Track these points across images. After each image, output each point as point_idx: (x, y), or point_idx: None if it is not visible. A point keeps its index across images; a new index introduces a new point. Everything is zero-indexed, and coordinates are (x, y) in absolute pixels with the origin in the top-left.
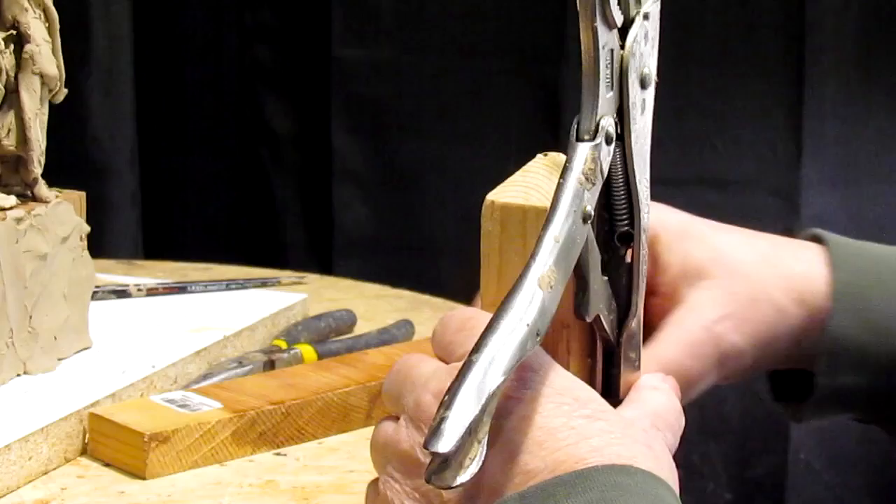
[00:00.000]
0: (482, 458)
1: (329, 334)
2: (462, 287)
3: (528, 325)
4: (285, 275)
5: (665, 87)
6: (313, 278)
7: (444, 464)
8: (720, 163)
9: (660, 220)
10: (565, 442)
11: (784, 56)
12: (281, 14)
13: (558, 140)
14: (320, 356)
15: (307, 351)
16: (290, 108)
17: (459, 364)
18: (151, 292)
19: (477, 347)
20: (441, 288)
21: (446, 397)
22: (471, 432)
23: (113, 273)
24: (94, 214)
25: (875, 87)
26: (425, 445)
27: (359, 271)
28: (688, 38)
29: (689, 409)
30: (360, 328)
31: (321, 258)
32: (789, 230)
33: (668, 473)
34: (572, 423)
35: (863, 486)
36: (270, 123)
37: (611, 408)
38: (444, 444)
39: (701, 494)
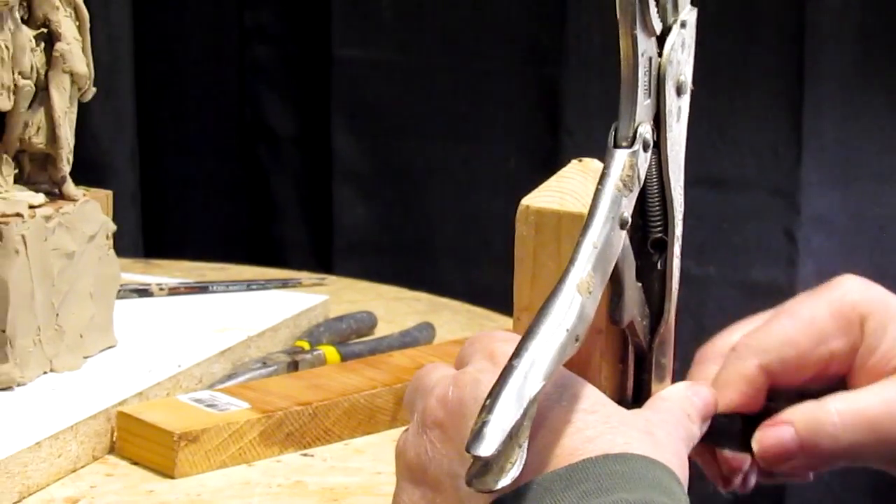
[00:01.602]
0: (523, 462)
1: (350, 336)
2: (462, 287)
3: (567, 329)
4: (306, 276)
5: None
6: (331, 279)
7: (484, 467)
8: (720, 163)
9: (884, 301)
10: (560, 436)
11: (784, 56)
12: (281, 14)
13: (558, 140)
14: (343, 358)
15: (330, 352)
16: (290, 108)
17: (463, 371)
18: (174, 292)
19: (517, 352)
20: (441, 288)
21: (488, 401)
22: (511, 436)
23: (131, 272)
24: None
25: (875, 87)
26: (467, 449)
27: (359, 271)
28: None
29: None
30: (380, 330)
31: (321, 258)
32: (789, 230)
33: (672, 458)
34: (568, 418)
35: (863, 486)
36: (270, 123)
37: (611, 401)
38: (486, 448)
39: (701, 495)
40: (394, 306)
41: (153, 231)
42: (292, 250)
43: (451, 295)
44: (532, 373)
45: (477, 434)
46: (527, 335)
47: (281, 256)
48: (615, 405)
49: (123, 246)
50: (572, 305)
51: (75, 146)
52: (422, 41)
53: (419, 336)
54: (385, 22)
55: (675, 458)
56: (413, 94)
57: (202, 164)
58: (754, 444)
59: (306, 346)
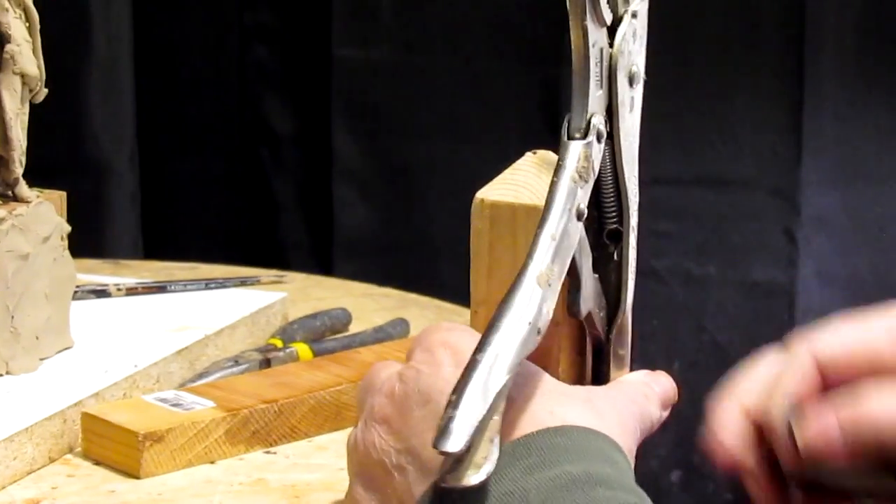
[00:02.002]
0: (496, 458)
1: (325, 333)
2: (463, 287)
3: (529, 322)
4: (264, 273)
5: (665, 87)
6: (298, 277)
7: (457, 463)
8: (720, 163)
9: None
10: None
11: (784, 56)
12: (281, 14)
13: (558, 140)
14: (316, 355)
15: (303, 350)
16: (290, 108)
17: (407, 366)
18: (131, 292)
19: (481, 346)
20: (441, 288)
21: (454, 396)
22: (480, 431)
23: (98, 273)
24: (94, 214)
25: (875, 87)
26: (434, 445)
27: (359, 271)
28: (688, 37)
29: (689, 409)
30: (353, 327)
31: (321, 258)
32: (789, 230)
33: (614, 428)
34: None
35: None
36: (270, 123)
37: (549, 376)
38: (454, 444)
39: (701, 494)
40: (362, 303)
41: (153, 231)
42: (292, 250)
43: (451, 295)
44: (496, 367)
45: (444, 430)
46: (489, 329)
47: (281, 256)
48: (554, 379)
49: (123, 246)
50: (532, 298)
51: (75, 146)
52: (422, 41)
53: (393, 332)
54: (385, 22)
55: (618, 428)
56: (413, 94)
57: (202, 164)
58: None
59: (279, 343)
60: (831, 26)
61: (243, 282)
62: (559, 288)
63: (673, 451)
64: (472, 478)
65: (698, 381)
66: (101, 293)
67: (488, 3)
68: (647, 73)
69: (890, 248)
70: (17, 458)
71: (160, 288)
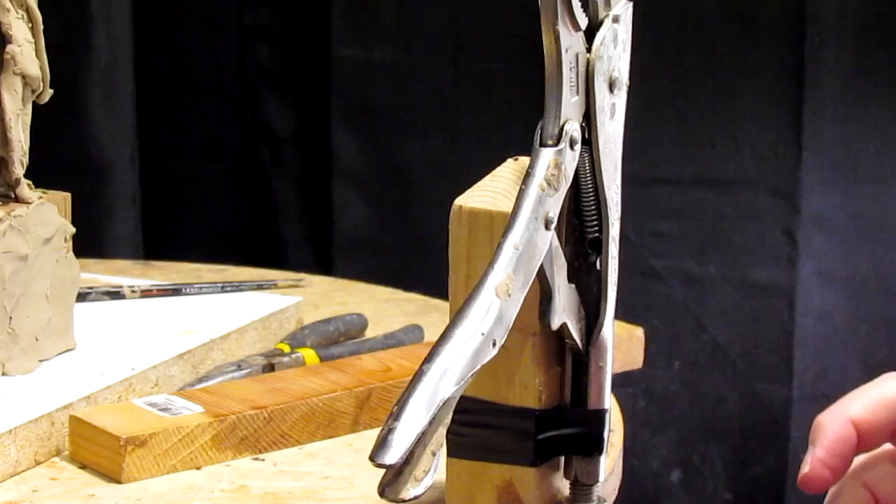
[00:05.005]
0: (436, 470)
1: (338, 338)
2: None
3: (483, 333)
4: (282, 277)
5: (665, 88)
6: (324, 280)
7: (397, 476)
8: (720, 163)
9: None
10: None
11: (784, 56)
12: (281, 14)
13: None
14: (323, 361)
15: (309, 355)
16: (290, 108)
17: None
18: (146, 294)
19: (429, 357)
20: (441, 288)
21: (395, 408)
22: (422, 444)
23: (128, 275)
24: (94, 215)
25: (875, 87)
26: (371, 458)
27: (359, 271)
28: (688, 38)
29: (689, 409)
30: (370, 332)
31: (321, 258)
32: (789, 230)
33: None
34: None
35: None
36: (270, 123)
37: None
38: (391, 456)
39: (701, 494)
40: (384, 308)
41: (153, 231)
42: (292, 250)
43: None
44: (444, 379)
45: (382, 442)
46: (440, 340)
47: (281, 256)
48: None
49: (123, 246)
50: (490, 309)
51: (75, 146)
52: (422, 41)
53: (404, 338)
54: (385, 22)
55: None
56: (413, 94)
57: (202, 165)
58: None
59: (286, 348)
60: (831, 26)
61: (260, 286)
62: (521, 298)
63: (673, 451)
64: (411, 491)
65: (698, 381)
66: (115, 295)
67: (488, 3)
68: (646, 73)
69: (890, 248)
70: (0, 459)
71: (175, 290)
